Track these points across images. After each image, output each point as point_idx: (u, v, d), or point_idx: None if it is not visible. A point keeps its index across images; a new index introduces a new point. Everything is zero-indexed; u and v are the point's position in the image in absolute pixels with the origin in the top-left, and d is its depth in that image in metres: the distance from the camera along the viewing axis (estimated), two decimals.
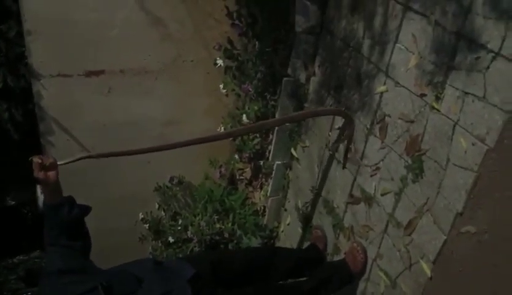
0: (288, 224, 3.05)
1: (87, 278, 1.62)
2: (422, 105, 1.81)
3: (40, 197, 3.29)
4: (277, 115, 2.80)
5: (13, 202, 3.86)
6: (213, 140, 2.18)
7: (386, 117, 2.01)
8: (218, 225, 3.18)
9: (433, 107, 1.75)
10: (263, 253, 2.35)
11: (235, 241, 3.18)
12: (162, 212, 3.47)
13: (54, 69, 2.70)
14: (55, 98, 2.77)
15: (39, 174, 1.58)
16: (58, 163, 1.63)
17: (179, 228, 3.35)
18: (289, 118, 2.57)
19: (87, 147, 2.94)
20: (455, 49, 1.64)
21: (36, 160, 1.57)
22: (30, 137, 3.02)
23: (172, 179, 3.44)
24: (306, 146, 2.70)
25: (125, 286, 1.68)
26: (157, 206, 3.45)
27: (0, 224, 3.88)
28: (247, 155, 3.21)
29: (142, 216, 3.41)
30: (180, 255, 3.09)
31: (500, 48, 1.46)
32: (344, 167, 2.35)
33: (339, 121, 2.37)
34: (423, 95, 1.80)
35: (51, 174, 1.61)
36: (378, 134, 2.08)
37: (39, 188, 3.28)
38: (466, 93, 1.60)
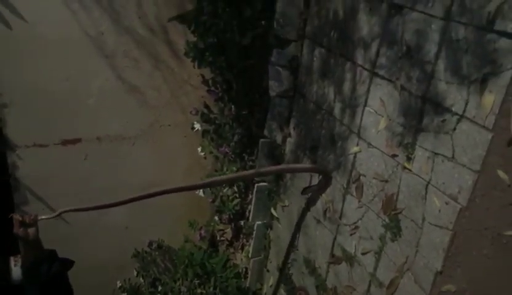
0: (271, 286, 2.99)
1: None
2: (394, 165, 1.86)
3: (14, 269, 3.18)
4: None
5: None
6: (191, 189, 2.19)
7: (361, 177, 2.06)
8: (199, 291, 3.10)
9: (405, 167, 1.80)
10: None
11: None
12: (141, 279, 3.37)
13: (30, 140, 2.70)
14: (30, 167, 2.75)
15: (18, 231, 1.60)
16: (39, 218, 1.64)
17: None
18: (267, 171, 2.59)
19: (63, 217, 2.88)
20: (421, 112, 1.71)
21: (16, 217, 1.59)
22: (3, 208, 2.95)
23: (150, 243, 3.38)
24: (285, 205, 2.71)
25: None
26: (135, 272, 3.35)
27: None
28: (227, 216, 3.19)
29: (120, 284, 3.30)
30: None
31: (464, 111, 1.54)
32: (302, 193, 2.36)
33: (316, 181, 2.40)
34: (394, 156, 1.85)
35: (31, 230, 1.62)
36: (354, 194, 2.11)
37: (12, 260, 3.17)
38: (436, 154, 1.66)
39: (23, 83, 2.53)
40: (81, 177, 2.87)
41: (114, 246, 3.18)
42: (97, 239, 3.04)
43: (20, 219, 1.60)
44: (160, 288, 3.24)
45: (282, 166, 2.62)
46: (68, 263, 1.76)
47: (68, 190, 2.86)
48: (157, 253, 3.37)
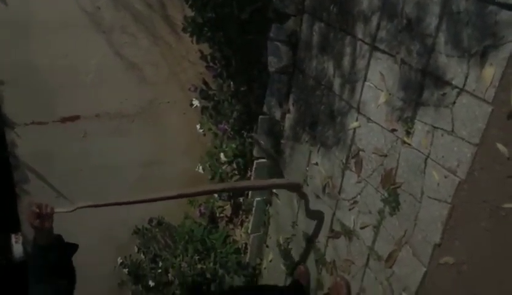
0: (270, 261, 3.03)
1: None
2: (394, 140, 1.87)
3: (15, 246, 3.21)
4: (254, 152, 2.82)
5: None
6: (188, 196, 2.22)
7: (361, 152, 2.06)
8: (199, 266, 3.15)
9: (404, 142, 1.81)
10: (248, 293, 2.33)
11: (217, 281, 3.14)
12: (142, 255, 3.41)
13: (28, 117, 2.69)
14: (29, 145, 2.75)
15: (34, 222, 1.60)
16: (56, 210, 1.65)
17: (159, 270, 3.29)
18: (251, 186, 2.71)
19: (63, 194, 2.91)
20: (421, 86, 1.71)
21: (34, 209, 1.59)
22: (4, 186, 2.96)
23: (151, 220, 3.41)
24: None
25: None
26: (136, 249, 3.39)
27: None
28: (226, 193, 3.21)
29: (121, 261, 3.34)
30: None
31: (464, 85, 1.53)
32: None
33: (315, 157, 2.41)
34: (394, 130, 1.85)
35: (47, 222, 1.63)
36: (353, 169, 2.12)
37: (13, 238, 3.20)
38: (435, 128, 1.66)
39: (19, 60, 2.51)
40: (81, 155, 2.87)
41: (115, 223, 3.21)
42: (98, 216, 3.04)
43: (37, 210, 1.60)
44: (160, 264, 3.29)
45: (262, 181, 2.70)
46: (74, 248, 1.82)
47: (67, 167, 2.87)
48: (157, 230, 3.41)
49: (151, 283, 3.18)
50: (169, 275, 3.18)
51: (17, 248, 3.08)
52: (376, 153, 1.97)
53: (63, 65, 2.60)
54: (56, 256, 1.69)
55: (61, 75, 2.62)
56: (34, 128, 2.70)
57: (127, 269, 3.31)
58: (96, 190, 2.87)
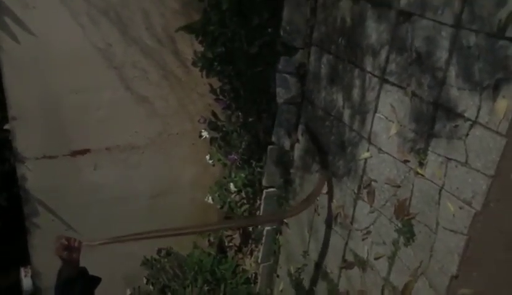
0: (281, 291, 3.01)
1: None
2: (407, 170, 1.88)
3: (24, 280, 3.19)
4: (263, 182, 2.83)
5: None
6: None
7: (373, 182, 2.07)
8: None
9: (418, 173, 1.82)
10: None
11: None
12: (151, 286, 3.37)
13: (39, 151, 2.71)
14: (39, 179, 2.75)
15: (63, 254, 1.67)
16: (84, 244, 1.73)
17: None
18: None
19: (73, 227, 2.90)
20: (433, 118, 1.73)
21: (63, 242, 1.66)
22: (13, 220, 2.96)
23: (159, 251, 3.39)
24: None
25: None
26: (145, 280, 3.36)
27: None
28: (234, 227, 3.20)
29: (130, 293, 3.31)
30: None
31: (477, 117, 1.56)
32: None
33: (325, 187, 2.41)
34: (406, 161, 1.87)
35: (75, 254, 1.71)
36: (366, 199, 2.12)
37: (22, 271, 3.19)
38: (449, 159, 1.68)
39: (31, 95, 2.54)
40: (91, 188, 2.88)
41: (123, 254, 3.18)
42: (106, 248, 3.04)
43: (66, 243, 1.68)
44: None
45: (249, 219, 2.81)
46: (97, 281, 1.88)
47: (77, 200, 2.87)
48: (166, 260, 3.38)
49: None
50: None
51: (27, 282, 3.06)
52: (389, 184, 1.98)
53: (74, 100, 2.63)
54: (82, 288, 1.75)
55: (72, 110, 2.65)
56: (45, 162, 2.71)
57: None
58: (106, 222, 2.86)
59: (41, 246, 2.89)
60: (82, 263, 1.97)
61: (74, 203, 2.87)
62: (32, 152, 2.69)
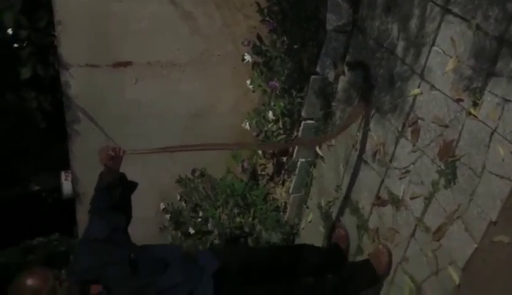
0: (309, 222, 3.03)
1: (119, 250, 1.80)
2: (458, 110, 1.78)
3: (64, 183, 3.35)
4: (303, 113, 2.78)
5: (38, 187, 3.92)
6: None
7: (419, 120, 1.98)
8: (238, 219, 3.19)
9: (470, 113, 1.72)
10: (288, 252, 2.35)
11: (254, 236, 3.19)
12: (183, 203, 3.49)
13: (82, 59, 2.73)
14: (82, 87, 2.79)
15: (108, 163, 1.83)
16: (128, 153, 1.88)
17: (199, 220, 3.37)
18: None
19: (112, 138, 2.97)
20: (496, 55, 1.60)
21: (110, 153, 1.82)
22: (56, 125, 3.06)
23: (194, 171, 3.46)
24: (331, 145, 2.68)
25: (151, 267, 1.80)
26: (178, 197, 3.47)
27: (22, 209, 3.95)
28: (271, 151, 3.19)
29: (163, 206, 3.44)
30: (207, 248, 3.13)
31: None
32: None
33: (367, 123, 2.34)
34: (459, 100, 1.76)
35: (118, 162, 1.87)
36: (409, 137, 2.05)
37: (63, 175, 3.33)
38: (507, 100, 1.57)
39: (78, 3, 2.52)
40: (131, 101, 2.91)
41: (160, 170, 3.28)
42: (145, 162, 3.11)
43: (113, 154, 1.82)
44: (201, 214, 3.36)
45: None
46: (134, 186, 2.04)
47: (118, 112, 2.92)
48: (199, 181, 3.46)
49: (191, 231, 3.27)
50: (209, 225, 3.25)
51: (67, 185, 3.21)
52: (436, 123, 1.89)
53: (117, 10, 2.59)
54: (120, 193, 1.89)
55: (115, 19, 2.62)
56: (88, 70, 2.74)
57: (168, 215, 3.41)
58: (144, 136, 2.91)
59: (81, 152, 2.99)
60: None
61: (114, 115, 2.92)
62: (76, 59, 2.71)
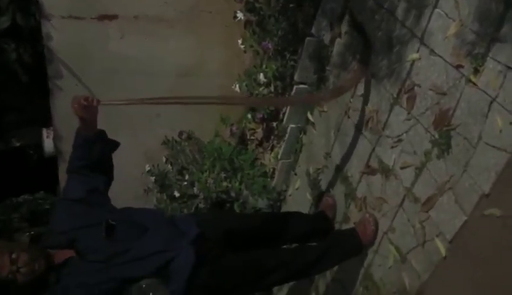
0: (297, 189, 2.99)
1: (95, 212, 1.71)
2: (457, 77, 1.70)
3: (46, 141, 3.25)
4: (295, 76, 2.68)
5: (18, 143, 3.82)
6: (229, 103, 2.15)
7: (416, 87, 1.91)
8: (225, 184, 3.14)
9: (470, 81, 1.64)
10: (274, 219, 2.31)
11: (241, 201, 3.15)
12: (169, 166, 3.42)
13: (65, 10, 2.60)
14: (65, 40, 2.67)
15: (81, 113, 1.66)
16: (102, 103, 1.70)
17: (185, 183, 3.31)
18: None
19: (95, 94, 2.84)
20: (502, 19, 1.52)
21: (82, 102, 1.63)
22: (39, 80, 2.93)
23: (181, 133, 3.38)
24: (323, 111, 2.60)
25: (129, 231, 1.72)
26: (164, 159, 3.40)
27: (5, 165, 3.87)
28: (261, 115, 3.11)
29: (149, 168, 3.36)
30: (191, 212, 3.09)
31: None
32: None
33: (362, 89, 2.26)
34: (459, 66, 1.68)
35: (92, 114, 1.70)
36: (404, 105, 1.97)
37: (44, 132, 3.23)
38: (510, 68, 1.49)
39: None
40: (117, 57, 2.79)
41: (145, 130, 3.19)
42: (129, 120, 3.01)
43: (85, 103, 1.64)
44: (187, 177, 3.30)
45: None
46: (115, 145, 1.92)
47: (103, 68, 2.80)
48: (186, 143, 3.38)
49: (176, 194, 3.22)
50: (194, 188, 3.20)
51: (48, 143, 3.12)
52: (433, 91, 1.81)
53: None
54: (99, 149, 1.77)
55: None
56: (71, 22, 2.60)
57: (153, 177, 3.34)
58: (130, 94, 2.77)
59: (63, 109, 2.87)
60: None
61: (99, 70, 2.81)
62: (59, 9, 2.59)
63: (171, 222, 1.87)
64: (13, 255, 1.51)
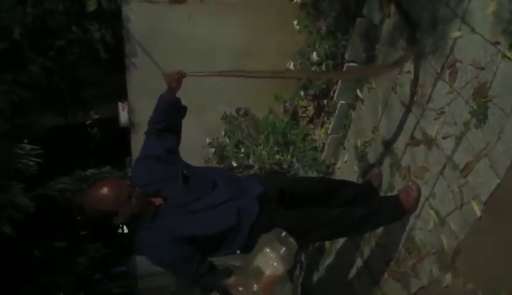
0: (345, 162, 3.18)
1: (172, 167, 2.05)
2: (494, 53, 1.85)
3: (122, 113, 3.63)
4: (346, 55, 2.87)
5: (97, 116, 4.23)
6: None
7: (457, 63, 2.06)
8: (277, 157, 3.37)
9: (505, 56, 1.79)
10: (324, 183, 2.56)
11: (292, 173, 3.38)
12: (227, 139, 3.70)
13: None
14: (141, 22, 3.00)
15: (172, 84, 2.05)
16: (188, 74, 2.07)
17: (241, 155, 3.58)
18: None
19: (165, 70, 3.17)
20: None
21: (173, 74, 2.04)
22: (115, 58, 3.30)
23: (238, 109, 3.63)
24: (372, 88, 2.78)
25: (202, 183, 2.04)
26: (223, 133, 3.68)
27: (78, 139, 4.29)
28: (312, 93, 3.31)
29: (209, 141, 3.66)
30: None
31: None
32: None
33: (408, 66, 2.42)
34: (496, 43, 1.83)
35: (179, 84, 2.07)
36: (447, 79, 2.14)
37: (120, 106, 3.61)
38: None
39: None
40: (184, 37, 3.09)
41: (207, 106, 3.47)
42: (192, 97, 3.30)
43: (177, 76, 2.03)
44: (243, 150, 3.57)
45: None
46: (185, 110, 2.24)
47: (172, 48, 3.11)
48: (243, 119, 3.64)
49: (234, 164, 3.49)
50: (250, 160, 3.46)
51: (123, 115, 3.50)
52: (473, 66, 1.97)
53: None
54: (176, 113, 2.11)
55: None
56: (147, 6, 2.93)
57: (213, 149, 3.63)
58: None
59: (137, 84, 3.23)
60: None
61: (169, 50, 3.12)
62: None
63: (237, 180, 2.18)
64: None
